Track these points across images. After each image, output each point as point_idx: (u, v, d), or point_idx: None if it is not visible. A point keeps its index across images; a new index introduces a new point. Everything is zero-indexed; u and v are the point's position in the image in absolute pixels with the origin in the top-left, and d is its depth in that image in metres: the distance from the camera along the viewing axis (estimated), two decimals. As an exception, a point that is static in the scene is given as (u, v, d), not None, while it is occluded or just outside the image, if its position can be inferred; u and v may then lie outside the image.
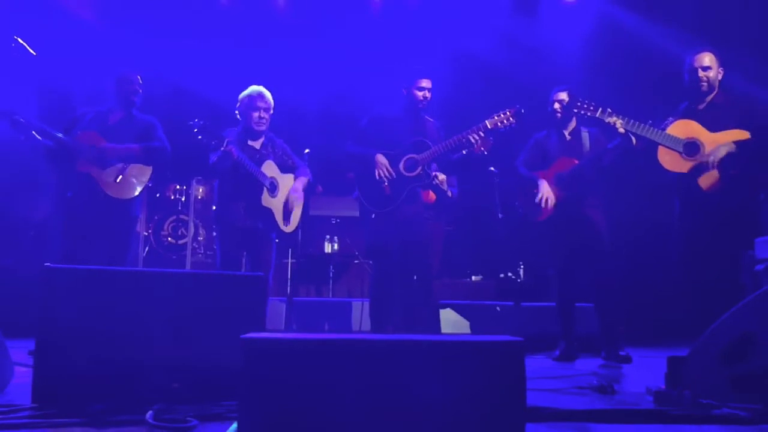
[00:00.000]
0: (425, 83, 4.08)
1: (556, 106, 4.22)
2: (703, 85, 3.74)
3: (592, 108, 3.83)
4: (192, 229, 6.49)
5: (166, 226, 6.68)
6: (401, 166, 4.00)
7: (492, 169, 5.51)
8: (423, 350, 1.72)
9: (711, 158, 3.55)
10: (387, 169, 3.97)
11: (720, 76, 3.78)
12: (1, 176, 4.31)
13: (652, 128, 3.69)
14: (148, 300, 2.29)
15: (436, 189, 4.05)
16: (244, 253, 4.10)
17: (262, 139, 4.11)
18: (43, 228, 5.30)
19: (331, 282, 6.23)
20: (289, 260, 5.57)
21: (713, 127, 3.63)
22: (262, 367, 1.67)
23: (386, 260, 4.05)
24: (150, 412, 1.97)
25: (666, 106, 3.95)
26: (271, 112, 4.08)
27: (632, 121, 3.72)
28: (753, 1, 5.81)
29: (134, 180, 3.92)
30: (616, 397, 2.64)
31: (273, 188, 4.00)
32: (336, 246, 6.49)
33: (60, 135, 3.77)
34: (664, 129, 3.71)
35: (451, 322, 5.03)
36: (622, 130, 3.74)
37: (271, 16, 6.69)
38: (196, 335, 2.29)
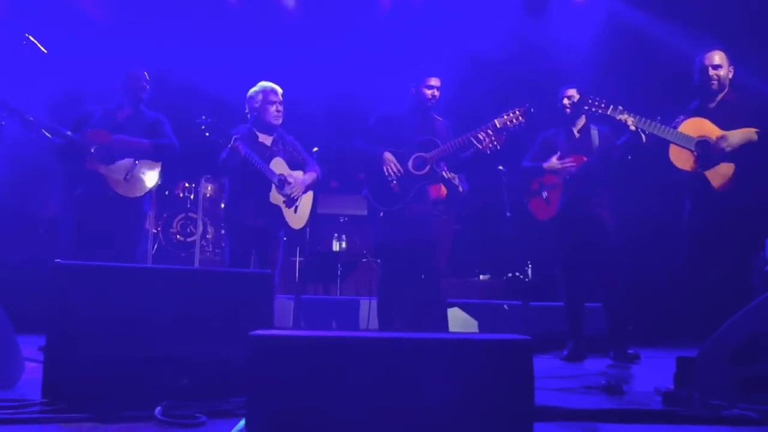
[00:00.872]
0: (434, 82, 4.08)
1: (566, 102, 4.21)
2: (713, 84, 3.71)
3: (603, 105, 3.80)
4: (201, 227, 6.51)
5: (175, 224, 6.71)
6: (410, 164, 4.00)
7: (500, 167, 5.50)
8: (431, 349, 1.72)
9: (725, 144, 3.52)
10: (395, 167, 3.97)
11: (731, 75, 3.75)
12: (13, 173, 4.34)
13: (663, 126, 3.67)
14: (157, 297, 2.30)
15: (447, 183, 4.04)
16: (253, 251, 4.11)
17: (273, 136, 4.12)
18: (54, 225, 5.34)
19: (339, 280, 6.23)
20: (297, 258, 5.58)
21: (725, 125, 3.61)
22: (270, 364, 1.67)
23: (394, 258, 4.05)
24: (159, 408, 1.98)
25: (676, 105, 3.92)
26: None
27: (643, 118, 3.70)
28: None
29: (144, 177, 3.94)
30: (624, 397, 2.63)
31: (281, 185, 4.01)
32: (344, 244, 6.50)
33: (69, 133, 3.79)
34: (675, 127, 3.69)
35: (459, 321, 5.03)
36: (633, 128, 3.72)
37: (280, 15, 6.70)
38: (204, 332, 2.30)
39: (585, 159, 4.10)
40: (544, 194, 4.21)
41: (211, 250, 6.66)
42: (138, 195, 3.93)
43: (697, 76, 3.80)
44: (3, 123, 3.64)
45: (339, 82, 6.26)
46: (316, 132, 5.48)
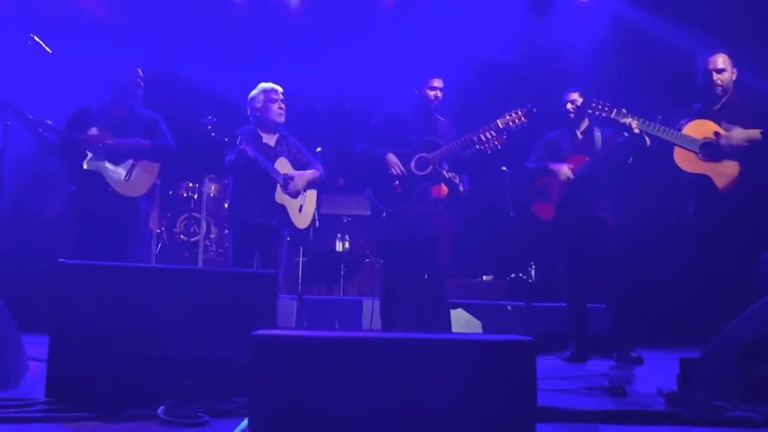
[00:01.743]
0: (437, 83, 4.08)
1: (569, 106, 4.20)
2: (717, 89, 3.72)
3: (606, 109, 3.80)
4: (204, 227, 6.52)
5: (178, 224, 6.72)
6: (412, 165, 4.00)
7: (504, 168, 5.50)
8: (433, 349, 1.72)
9: (726, 139, 3.52)
10: (398, 168, 3.97)
11: (734, 77, 3.75)
12: (16, 173, 4.35)
13: (667, 129, 3.66)
14: (160, 296, 2.31)
15: (448, 183, 4.04)
16: (256, 250, 4.12)
17: (276, 136, 4.13)
18: (58, 224, 5.35)
19: (342, 280, 6.23)
20: (301, 258, 5.58)
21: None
22: (273, 364, 1.68)
23: (397, 259, 4.05)
24: (162, 408, 1.98)
25: (680, 106, 3.92)
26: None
27: (647, 121, 3.69)
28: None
29: (143, 177, 3.93)
30: (627, 398, 2.63)
31: (286, 185, 4.02)
32: (347, 245, 6.50)
33: (67, 133, 3.78)
34: (679, 130, 3.68)
35: (462, 321, 5.03)
36: (637, 131, 3.71)
37: (284, 15, 6.71)
38: (207, 332, 2.30)
39: (587, 159, 4.10)
40: (547, 193, 4.20)
41: (214, 249, 6.67)
42: (137, 195, 3.93)
43: (700, 79, 3.80)
44: (8, 123, 3.65)
45: (343, 83, 6.27)
46: (320, 132, 5.49)
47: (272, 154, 4.02)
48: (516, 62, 6.20)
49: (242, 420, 1.88)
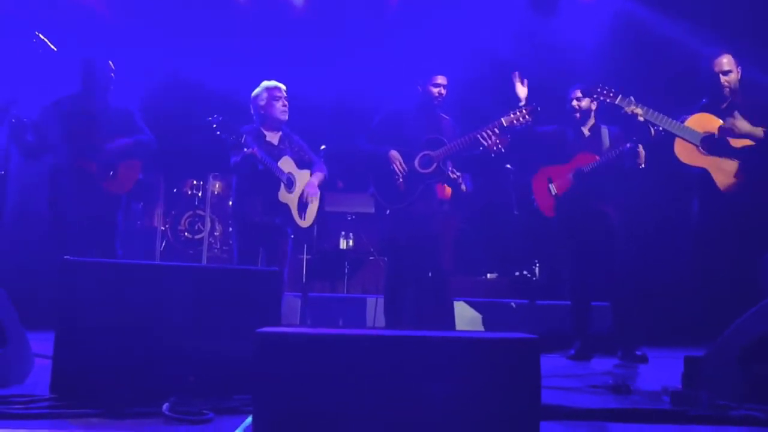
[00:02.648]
0: (440, 80, 4.08)
1: (574, 103, 4.19)
2: (725, 90, 3.71)
3: (611, 94, 3.77)
4: (208, 224, 6.54)
5: (182, 221, 6.73)
6: (416, 162, 4.00)
7: (508, 166, 5.48)
8: (437, 347, 1.72)
9: (732, 122, 3.52)
10: (400, 164, 3.97)
11: (739, 76, 3.74)
12: (21, 171, 4.36)
13: (670, 119, 3.66)
14: (165, 294, 2.31)
15: (451, 183, 4.04)
16: (261, 248, 4.13)
17: (279, 134, 4.13)
18: (62, 222, 5.35)
19: (346, 278, 6.24)
20: (305, 256, 5.58)
21: None
22: (277, 362, 1.68)
23: (401, 256, 4.05)
24: (166, 405, 1.99)
25: (684, 104, 3.91)
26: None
27: (651, 110, 3.68)
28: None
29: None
30: (631, 396, 2.62)
31: (290, 183, 4.02)
32: (351, 242, 6.50)
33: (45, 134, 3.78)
34: (682, 122, 3.68)
35: (466, 319, 5.03)
36: (642, 119, 3.69)
37: (288, 14, 6.70)
38: (212, 329, 2.31)
39: (596, 158, 4.08)
40: (552, 189, 4.19)
41: (219, 247, 6.68)
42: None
43: (707, 80, 3.79)
44: (13, 120, 3.66)
45: (346, 81, 6.26)
46: (323, 130, 5.49)
47: (276, 152, 4.03)
48: (520, 59, 6.18)
49: (246, 417, 1.89)
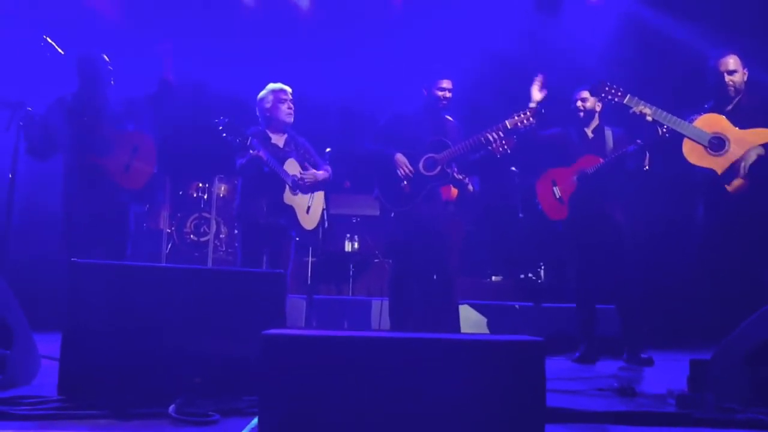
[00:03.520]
0: (446, 84, 4.08)
1: (579, 104, 4.19)
2: (730, 90, 3.70)
3: (620, 93, 3.75)
4: (214, 227, 6.55)
5: (188, 224, 6.75)
6: (421, 165, 4.01)
7: (513, 168, 5.48)
8: (442, 349, 1.72)
9: (743, 163, 3.50)
10: (406, 167, 3.98)
11: (745, 77, 3.73)
12: (30, 172, 4.38)
13: (678, 119, 3.64)
14: (171, 296, 2.33)
15: (457, 184, 4.04)
16: (265, 250, 4.14)
17: (285, 137, 4.15)
18: (74, 222, 5.37)
19: (351, 280, 6.24)
20: (310, 258, 5.59)
21: (742, 126, 3.58)
22: (283, 363, 1.69)
23: (406, 259, 4.05)
24: (172, 406, 2.00)
25: (689, 107, 3.90)
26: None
27: (659, 110, 3.66)
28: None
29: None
30: (637, 399, 2.62)
31: (295, 186, 4.03)
32: (356, 245, 6.51)
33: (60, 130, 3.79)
34: (691, 122, 3.67)
35: (471, 321, 5.02)
36: (650, 119, 3.68)
37: (294, 17, 6.72)
38: (217, 331, 2.32)
39: (600, 160, 4.08)
40: (557, 192, 4.19)
41: (224, 249, 6.70)
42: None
43: (712, 81, 3.77)
44: (21, 123, 3.68)
45: (351, 83, 6.27)
46: (328, 133, 5.50)
47: (281, 154, 4.04)
48: (525, 61, 6.18)
49: (252, 419, 1.90)
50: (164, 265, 5.55)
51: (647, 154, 3.90)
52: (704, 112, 3.76)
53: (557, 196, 4.20)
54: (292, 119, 4.11)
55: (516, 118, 3.94)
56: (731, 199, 3.55)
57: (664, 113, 3.65)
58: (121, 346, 2.25)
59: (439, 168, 3.98)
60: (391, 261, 4.48)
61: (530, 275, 6.25)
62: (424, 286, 4.07)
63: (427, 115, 4.14)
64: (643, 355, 3.90)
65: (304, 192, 4.05)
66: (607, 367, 3.84)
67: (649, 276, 4.92)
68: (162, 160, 4.22)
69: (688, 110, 3.84)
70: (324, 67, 6.18)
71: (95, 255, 3.68)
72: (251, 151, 3.79)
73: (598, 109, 4.19)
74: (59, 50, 3.93)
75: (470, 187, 4.08)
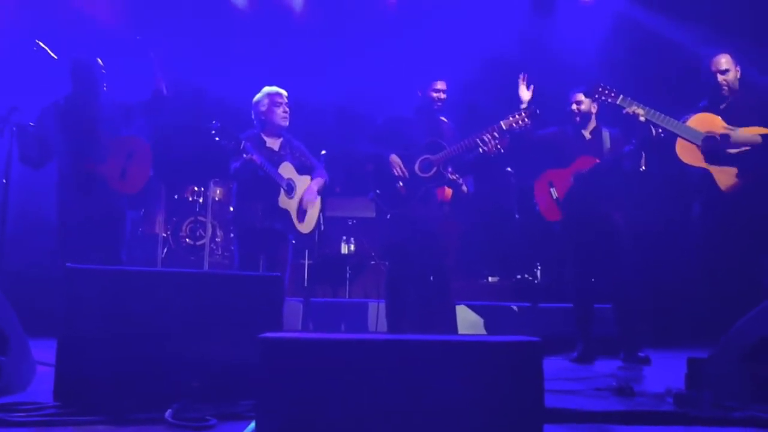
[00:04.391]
0: (440, 85, 4.09)
1: (574, 107, 4.19)
2: (723, 89, 3.71)
3: (613, 94, 3.77)
4: (210, 231, 6.53)
5: (184, 228, 6.73)
6: (416, 166, 4.01)
7: (509, 169, 5.49)
8: (440, 350, 1.72)
9: (730, 139, 3.52)
10: (401, 169, 3.98)
11: (738, 75, 3.74)
12: (24, 177, 4.37)
13: (671, 119, 3.65)
14: (167, 300, 2.32)
15: (452, 185, 4.04)
16: (262, 253, 4.13)
17: (280, 140, 4.14)
18: (69, 228, 5.35)
19: (347, 283, 6.23)
20: (306, 261, 5.58)
21: (736, 125, 3.60)
22: (280, 367, 1.68)
23: (402, 260, 4.05)
24: (169, 411, 1.99)
25: (684, 106, 3.91)
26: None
27: (652, 110, 3.68)
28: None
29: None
30: (635, 398, 2.62)
31: (290, 189, 4.03)
32: (352, 247, 6.50)
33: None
34: (684, 122, 3.68)
35: (468, 323, 5.02)
36: (643, 119, 3.69)
37: (288, 19, 6.72)
38: (214, 335, 2.31)
39: (596, 161, 4.08)
40: (554, 193, 4.19)
41: (220, 253, 6.68)
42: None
43: (705, 81, 3.79)
44: (14, 129, 3.67)
45: (346, 86, 6.27)
46: (324, 135, 5.49)
47: (276, 158, 4.03)
48: (520, 62, 6.19)
49: (249, 423, 1.89)
50: (160, 269, 5.53)
51: (643, 155, 3.91)
52: (698, 112, 3.77)
53: (554, 197, 4.20)
54: (287, 123, 4.11)
55: (511, 119, 3.94)
56: (727, 198, 3.56)
57: (658, 113, 3.66)
58: (117, 351, 2.23)
59: (434, 169, 3.99)
60: (387, 263, 4.48)
61: (527, 276, 6.25)
62: (421, 287, 4.07)
63: (422, 116, 4.14)
64: (640, 354, 3.91)
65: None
66: (605, 367, 3.84)
67: (646, 275, 4.92)
68: (157, 164, 4.21)
69: (682, 110, 3.85)
70: (319, 70, 6.18)
71: (91, 260, 3.67)
72: (244, 155, 3.78)
73: (593, 110, 4.20)
74: (52, 55, 3.92)
75: (464, 187, 4.09)
